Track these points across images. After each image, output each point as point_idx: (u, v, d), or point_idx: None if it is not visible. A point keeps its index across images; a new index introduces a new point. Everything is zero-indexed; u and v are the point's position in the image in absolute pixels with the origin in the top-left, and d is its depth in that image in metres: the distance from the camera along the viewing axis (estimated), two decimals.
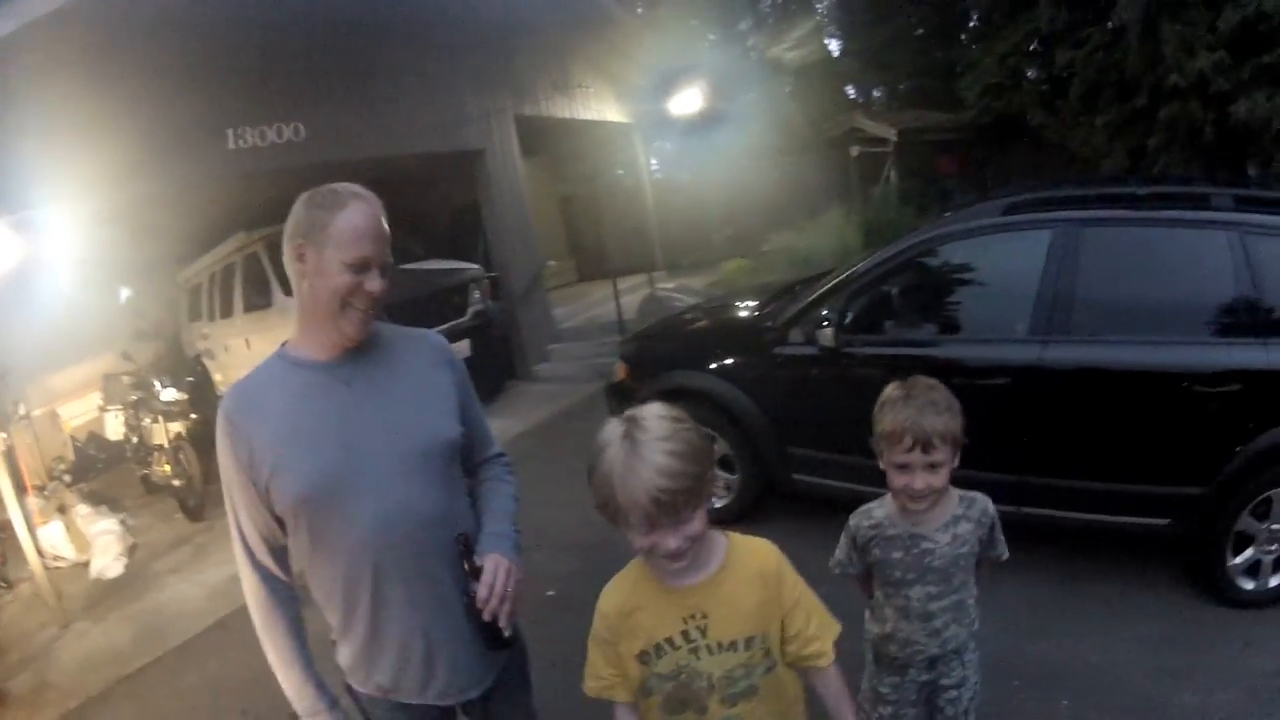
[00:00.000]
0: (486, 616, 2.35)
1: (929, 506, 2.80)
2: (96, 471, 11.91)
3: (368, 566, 2.39)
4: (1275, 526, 4.58)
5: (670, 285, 13.34)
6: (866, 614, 3.18)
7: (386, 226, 2.37)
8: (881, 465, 2.80)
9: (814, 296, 5.81)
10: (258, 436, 2.33)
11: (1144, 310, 4.76)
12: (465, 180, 12.47)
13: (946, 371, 4.86)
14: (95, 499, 9.71)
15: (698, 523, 2.09)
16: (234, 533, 2.46)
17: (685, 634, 2.26)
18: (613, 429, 2.07)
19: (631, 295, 12.46)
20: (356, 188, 2.38)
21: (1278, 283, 4.48)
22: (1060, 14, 12.04)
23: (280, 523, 2.41)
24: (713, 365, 6.17)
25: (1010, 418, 4.85)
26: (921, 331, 5.48)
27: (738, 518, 6.26)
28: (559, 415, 10.11)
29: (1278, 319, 4.45)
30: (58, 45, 7.72)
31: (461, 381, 2.66)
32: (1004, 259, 5.31)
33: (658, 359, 6.82)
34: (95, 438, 12.14)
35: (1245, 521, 4.57)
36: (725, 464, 6.25)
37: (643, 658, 2.29)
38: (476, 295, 11.30)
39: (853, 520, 3.06)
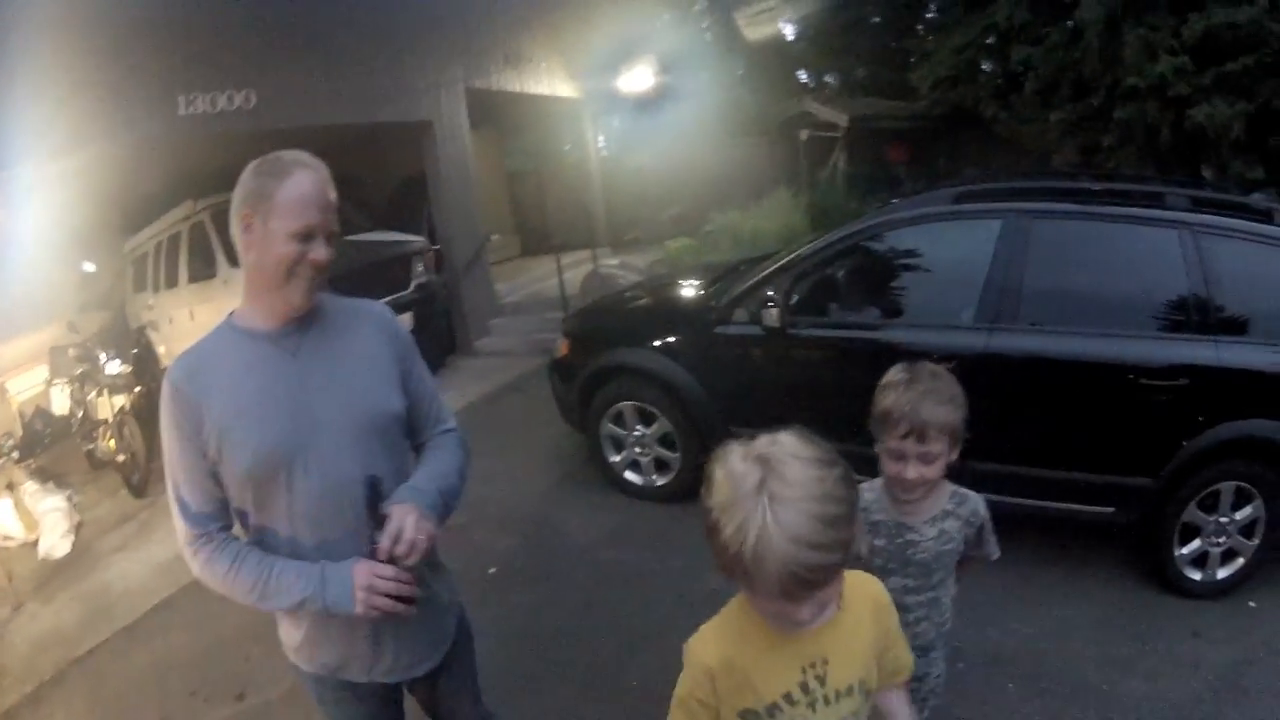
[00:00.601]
0: (382, 558, 2.27)
1: (920, 498, 2.72)
2: (43, 447, 11.68)
3: (314, 541, 2.36)
4: (1222, 519, 4.64)
5: (614, 262, 13.33)
6: None
7: (334, 195, 2.34)
8: (875, 449, 2.69)
9: (760, 276, 5.79)
10: (206, 407, 2.29)
11: (1094, 303, 4.81)
12: (412, 151, 12.30)
13: (891, 356, 4.93)
14: (42, 476, 9.60)
15: (834, 588, 1.74)
16: (175, 508, 2.38)
17: (804, 686, 1.92)
18: (743, 472, 1.65)
19: (575, 271, 12.37)
20: (304, 156, 2.34)
21: (1230, 282, 4.54)
22: (1020, 11, 12.07)
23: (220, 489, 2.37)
24: (656, 343, 6.13)
25: None
26: (868, 315, 5.46)
27: (679, 496, 6.27)
28: (499, 390, 10.04)
29: (1228, 318, 4.53)
30: (4, 4, 7.48)
31: (403, 354, 2.63)
32: (953, 246, 5.33)
33: (600, 335, 6.78)
34: (42, 412, 11.88)
35: (1192, 513, 4.63)
36: (667, 442, 6.24)
37: (746, 717, 1.95)
38: (420, 268, 11.18)
39: None
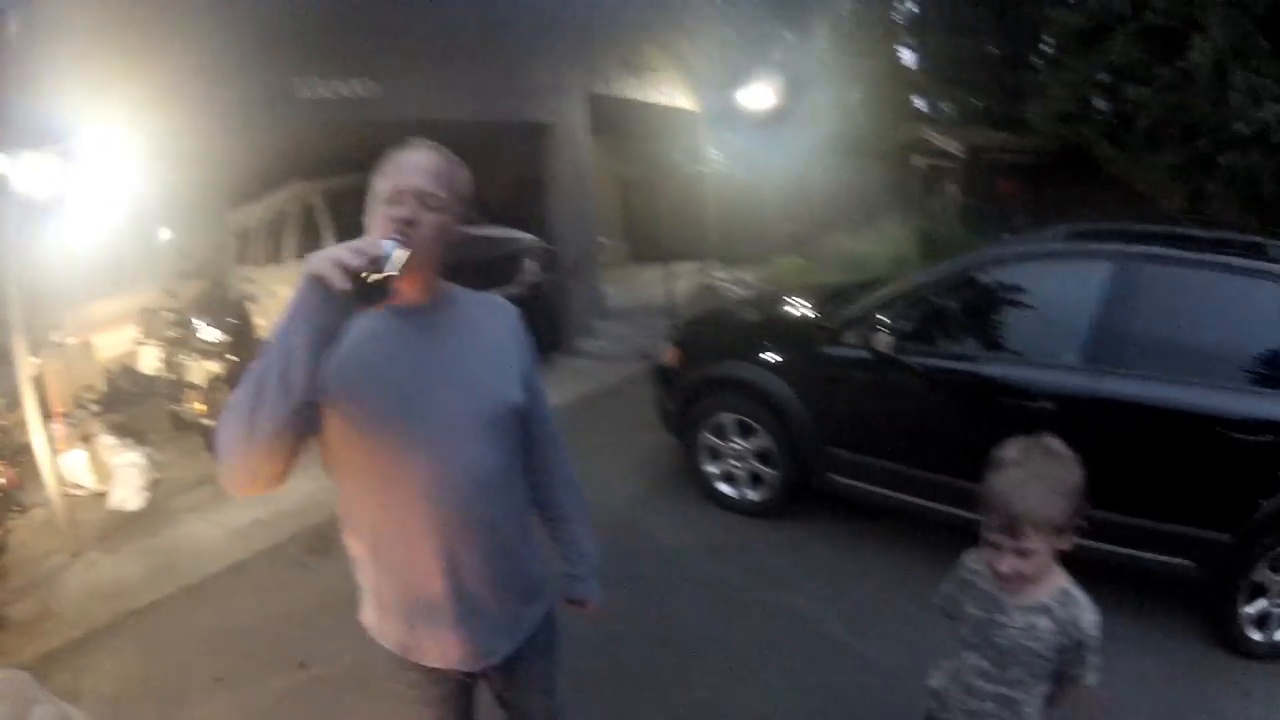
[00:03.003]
0: None
1: (1015, 590, 2.54)
2: (125, 404, 11.61)
3: (410, 519, 2.35)
4: None
5: (723, 275, 13.34)
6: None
7: (448, 169, 2.34)
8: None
9: (872, 301, 5.84)
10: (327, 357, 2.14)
11: (1192, 352, 4.78)
12: (531, 153, 12.39)
13: (996, 391, 5.13)
14: (122, 431, 9.56)
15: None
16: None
17: None
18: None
19: (682, 281, 12.44)
20: (429, 143, 2.36)
21: None
22: (1134, 49, 11.94)
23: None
24: (763, 358, 6.19)
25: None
26: (975, 348, 5.46)
27: (771, 513, 6.38)
28: (598, 391, 10.10)
29: None
30: None
31: (527, 354, 2.65)
32: (1063, 285, 5.32)
33: (708, 346, 6.86)
34: (128, 371, 12.06)
35: (1262, 573, 4.61)
36: (764, 458, 6.30)
37: None
38: (531, 265, 11.27)
39: (965, 556, 2.82)
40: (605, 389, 10.20)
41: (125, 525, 7.71)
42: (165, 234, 13.16)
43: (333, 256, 1.96)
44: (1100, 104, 13.96)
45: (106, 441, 8.82)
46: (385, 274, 2.00)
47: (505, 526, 2.53)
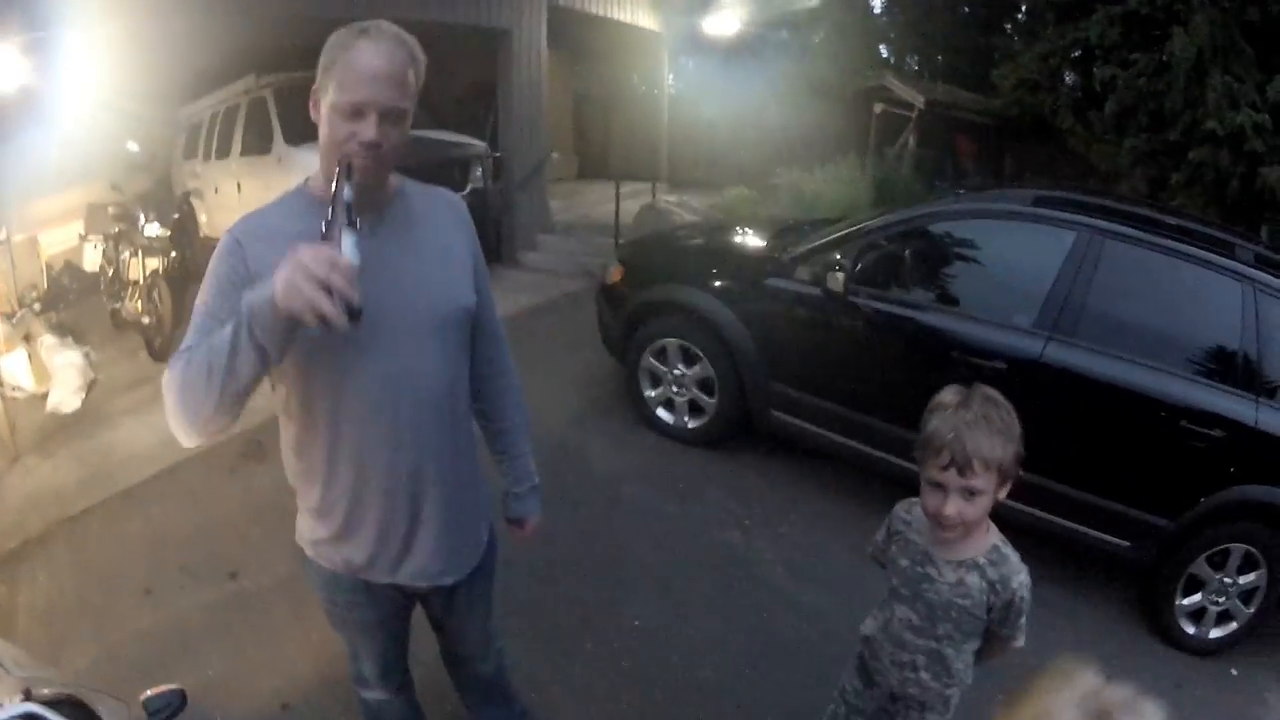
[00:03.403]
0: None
1: (956, 538, 2.47)
2: (68, 302, 11.57)
3: (362, 431, 2.27)
4: (1227, 580, 4.64)
5: (672, 199, 13.23)
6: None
7: (410, 72, 2.15)
8: (921, 477, 2.45)
9: (829, 239, 5.76)
10: (263, 267, 2.03)
11: (1150, 335, 4.79)
12: (486, 59, 12.15)
13: (949, 345, 5.08)
14: (62, 330, 9.57)
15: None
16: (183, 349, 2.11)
17: None
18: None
19: (630, 202, 12.29)
20: (384, 25, 2.15)
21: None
22: (1112, 31, 11.87)
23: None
24: (711, 285, 6.06)
25: None
26: (930, 299, 5.38)
27: (708, 443, 6.32)
28: (538, 306, 9.92)
29: (1274, 384, 4.53)
30: None
31: (474, 246, 2.53)
32: (1023, 248, 5.29)
33: (655, 268, 6.72)
34: (71, 267, 11.85)
35: (1200, 567, 4.63)
36: (705, 386, 6.20)
37: None
38: (478, 173, 11.15)
39: (897, 507, 2.79)
40: (546, 304, 10.04)
41: (62, 428, 7.73)
42: (115, 129, 12.65)
43: (307, 299, 1.80)
44: (1070, 78, 13.92)
45: (47, 341, 8.83)
46: (358, 305, 1.86)
47: (458, 438, 2.47)
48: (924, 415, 2.43)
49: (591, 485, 5.96)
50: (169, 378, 2.09)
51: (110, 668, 4.40)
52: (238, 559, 5.20)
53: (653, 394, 6.51)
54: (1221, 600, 4.67)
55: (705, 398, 6.25)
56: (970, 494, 2.33)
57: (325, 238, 1.93)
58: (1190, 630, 4.75)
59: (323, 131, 2.13)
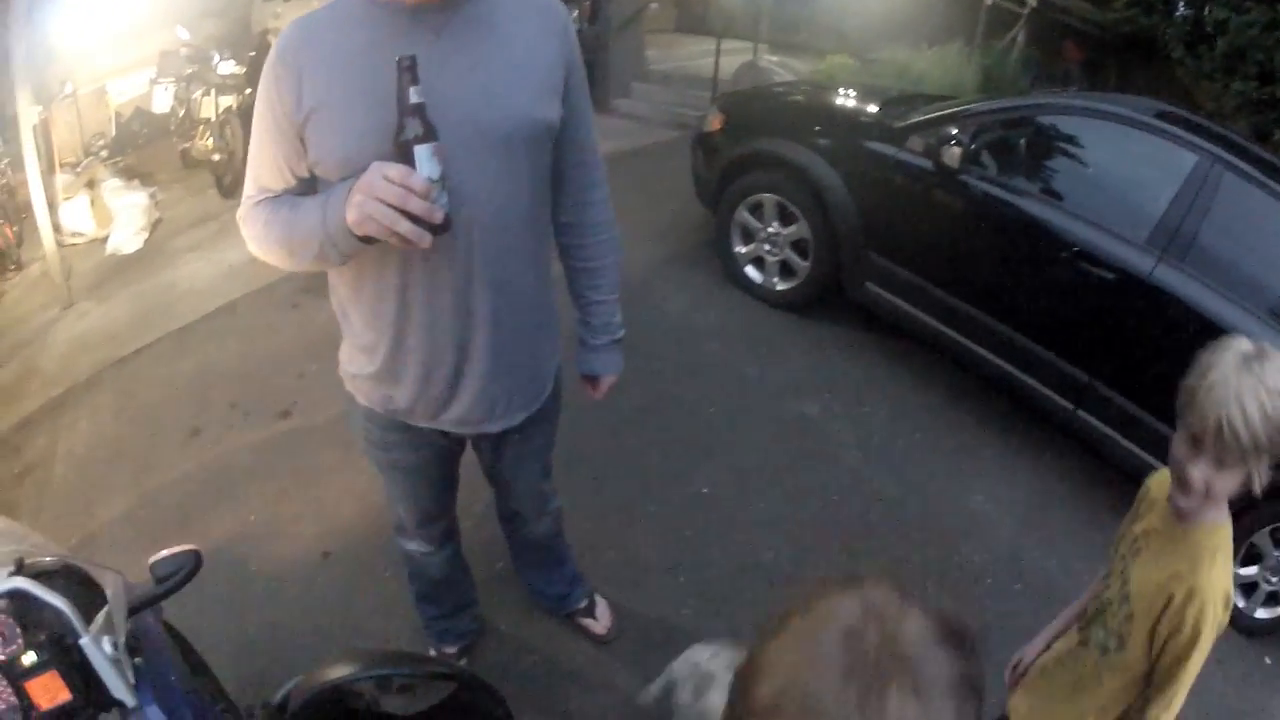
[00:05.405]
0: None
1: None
2: (136, 147, 11.40)
3: (413, 261, 2.09)
4: None
5: (774, 59, 12.98)
6: None
7: None
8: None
9: (945, 112, 5.54)
10: (309, 77, 1.95)
11: (1253, 278, 4.55)
12: None
13: (1060, 244, 4.85)
14: (129, 174, 9.51)
15: (1223, 482, 1.88)
16: (248, 187, 2.15)
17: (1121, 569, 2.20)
18: (1236, 346, 1.88)
19: (728, 59, 11.95)
20: None
21: None
22: None
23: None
24: (816, 143, 5.86)
25: (1102, 315, 4.73)
26: (1044, 194, 5.13)
27: (796, 307, 6.21)
28: (630, 152, 9.66)
29: None
30: None
31: (572, 60, 2.25)
32: (1142, 160, 5.02)
33: (757, 120, 6.53)
34: (141, 112, 11.58)
35: (1262, 538, 4.38)
36: (800, 248, 6.03)
37: None
38: (575, 13, 10.82)
39: None
40: (636, 150, 9.78)
41: (121, 270, 7.66)
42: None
43: (383, 227, 1.82)
44: (1183, 8, 13.47)
45: (111, 185, 8.76)
46: (441, 220, 1.85)
47: (524, 271, 2.28)
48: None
49: (669, 339, 5.86)
50: (247, 234, 2.16)
51: (147, 513, 4.44)
52: (291, 397, 5.19)
53: (743, 250, 6.36)
54: (1275, 580, 4.44)
55: (799, 260, 6.08)
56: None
57: (396, 146, 1.83)
58: (1239, 603, 4.47)
59: None
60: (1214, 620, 1.92)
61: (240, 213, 2.16)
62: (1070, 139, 5.20)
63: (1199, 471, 1.87)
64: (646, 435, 4.93)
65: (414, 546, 2.99)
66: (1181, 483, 1.94)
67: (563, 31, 2.21)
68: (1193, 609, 1.92)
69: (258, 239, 2.13)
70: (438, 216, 1.83)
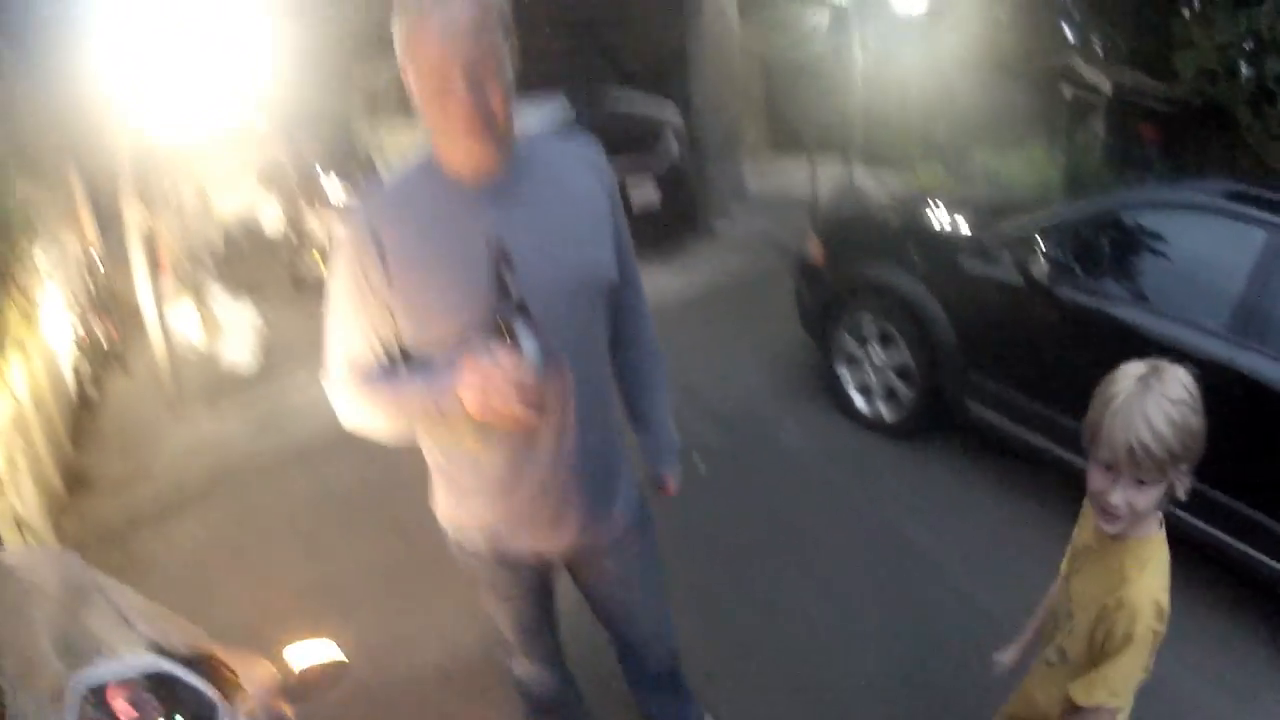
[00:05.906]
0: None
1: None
2: (243, 259, 11.63)
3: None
4: None
5: (867, 172, 13.15)
6: None
7: (486, 28, 1.93)
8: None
9: (1031, 223, 5.58)
10: (393, 251, 2.07)
11: None
12: (675, 22, 12.25)
13: (1143, 344, 4.64)
14: (236, 287, 9.40)
15: (1145, 497, 2.06)
16: (335, 359, 2.27)
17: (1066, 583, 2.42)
18: (1130, 370, 2.09)
19: (823, 172, 12.19)
20: None
21: None
22: None
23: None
24: (912, 266, 6.03)
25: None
26: (1123, 294, 5.08)
27: (902, 435, 6.29)
28: (732, 280, 9.72)
29: None
30: None
31: (615, 204, 2.39)
32: (1214, 244, 4.87)
33: (854, 244, 6.78)
34: (250, 232, 11.95)
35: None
36: (903, 374, 6.16)
37: None
38: (675, 143, 10.93)
39: None
40: (740, 277, 9.84)
41: (232, 384, 7.75)
42: (291, 89, 12.42)
43: (502, 414, 1.98)
44: (1246, 70, 13.48)
45: (218, 297, 8.76)
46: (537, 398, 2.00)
47: (600, 404, 2.41)
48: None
49: (772, 459, 6.02)
50: (342, 409, 2.34)
51: (261, 624, 4.37)
52: (404, 519, 5.19)
53: (849, 377, 6.55)
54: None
55: (901, 385, 6.16)
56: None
57: (498, 323, 2.02)
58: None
59: (419, 105, 2.03)
60: (1146, 625, 2.06)
61: (330, 388, 2.31)
62: (1150, 234, 5.13)
63: (1119, 497, 2.06)
64: (743, 545, 5.07)
65: (519, 666, 3.06)
66: (1105, 512, 2.12)
67: (606, 181, 2.37)
68: (1123, 615, 2.08)
69: (356, 415, 2.30)
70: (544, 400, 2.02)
